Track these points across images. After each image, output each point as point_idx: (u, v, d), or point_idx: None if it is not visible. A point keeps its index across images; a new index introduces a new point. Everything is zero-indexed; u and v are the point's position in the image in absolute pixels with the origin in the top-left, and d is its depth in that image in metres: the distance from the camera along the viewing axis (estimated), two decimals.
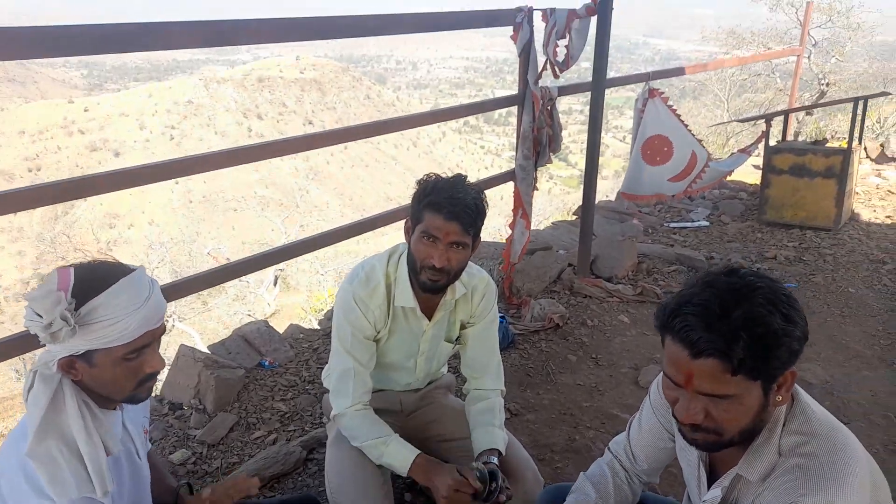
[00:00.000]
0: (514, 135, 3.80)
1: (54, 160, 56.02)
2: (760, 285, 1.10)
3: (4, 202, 2.06)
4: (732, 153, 5.60)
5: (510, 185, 3.94)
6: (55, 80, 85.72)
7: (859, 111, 5.40)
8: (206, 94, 64.91)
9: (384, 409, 2.05)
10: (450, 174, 1.83)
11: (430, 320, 1.96)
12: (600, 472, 1.60)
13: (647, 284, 4.20)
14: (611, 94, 4.01)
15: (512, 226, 3.87)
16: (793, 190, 5.42)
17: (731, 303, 1.07)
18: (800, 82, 7.54)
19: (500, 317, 3.34)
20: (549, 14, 3.55)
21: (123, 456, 1.38)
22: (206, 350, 3.30)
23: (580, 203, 4.45)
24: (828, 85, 12.77)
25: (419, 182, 1.81)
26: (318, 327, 3.85)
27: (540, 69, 3.60)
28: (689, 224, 5.68)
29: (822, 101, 12.16)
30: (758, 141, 5.56)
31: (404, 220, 1.88)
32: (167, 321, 1.61)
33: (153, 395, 2.92)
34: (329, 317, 4.08)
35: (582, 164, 4.36)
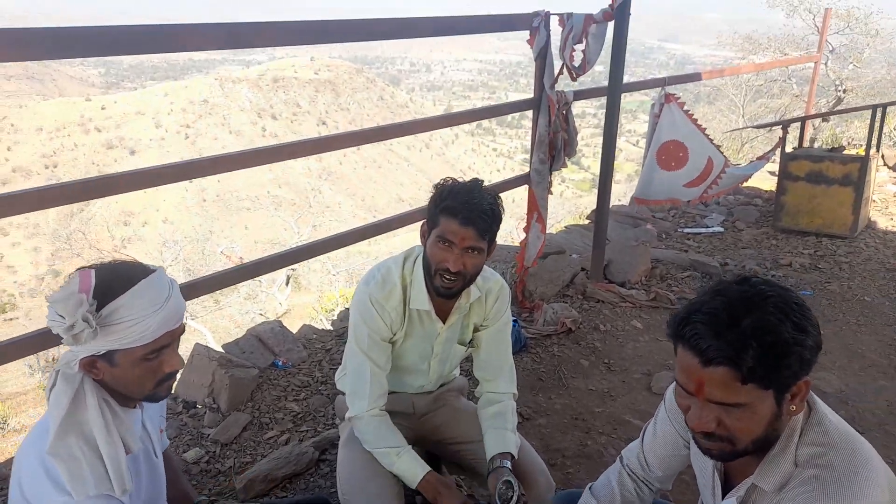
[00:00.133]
0: (527, 137, 3.80)
1: (71, 157, 56.64)
2: (771, 294, 1.09)
3: (25, 201, 2.08)
4: (752, 161, 5.57)
5: (522, 188, 3.94)
6: (73, 78, 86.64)
7: (878, 119, 5.36)
8: (221, 94, 65.38)
9: (397, 411, 2.06)
10: (462, 176, 1.84)
11: (444, 323, 1.97)
12: (607, 483, 1.60)
13: (660, 290, 4.18)
14: (624, 98, 4.00)
15: (527, 230, 3.87)
16: (809, 197, 5.38)
17: (741, 311, 1.07)
18: (816, 88, 7.49)
19: (513, 320, 3.34)
20: (566, 19, 3.55)
21: (141, 454, 1.40)
22: (219, 349, 3.32)
23: (593, 207, 4.44)
24: (845, 91, 12.66)
25: (436, 186, 1.81)
26: (331, 328, 3.87)
27: (556, 73, 3.60)
28: (703, 230, 5.65)
29: (838, 107, 12.06)
30: (776, 147, 5.53)
31: (420, 223, 1.89)
32: None
33: None
34: (341, 318, 4.10)
35: (594, 168, 4.36)
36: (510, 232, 10.11)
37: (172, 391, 3.05)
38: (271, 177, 52.96)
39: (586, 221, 6.25)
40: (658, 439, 1.53)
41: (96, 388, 1.26)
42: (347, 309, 4.22)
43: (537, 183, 3.76)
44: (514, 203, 6.99)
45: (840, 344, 3.67)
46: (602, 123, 4.08)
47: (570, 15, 3.56)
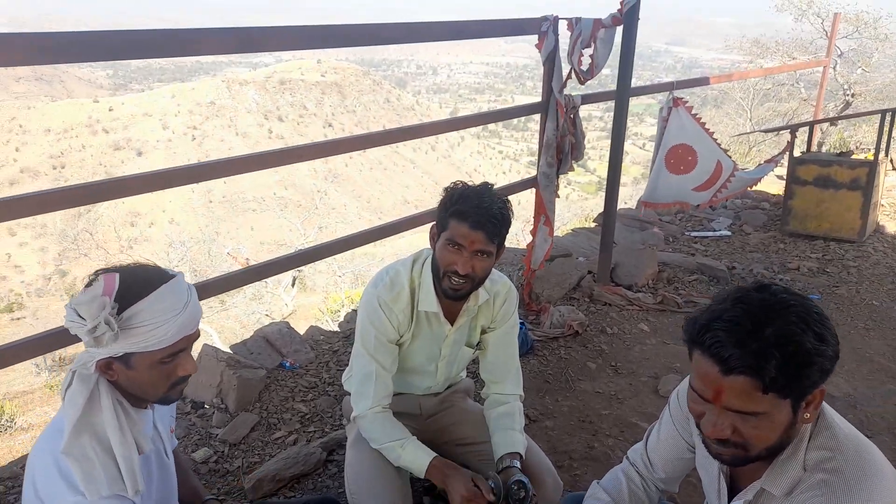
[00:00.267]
0: (533, 140, 3.81)
1: (78, 158, 56.95)
2: (793, 303, 1.08)
3: (36, 203, 2.10)
4: (760, 165, 5.56)
5: (529, 191, 3.95)
6: (81, 80, 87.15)
7: (886, 123, 5.34)
8: (228, 96, 65.65)
9: (404, 412, 2.07)
10: (468, 178, 1.86)
11: (452, 325, 1.98)
12: (614, 478, 1.61)
13: (667, 293, 4.18)
14: (631, 101, 4.00)
15: (534, 232, 3.88)
16: (817, 201, 5.37)
17: (762, 320, 1.06)
18: (824, 93, 7.47)
19: (520, 323, 3.35)
20: (574, 23, 3.56)
21: (153, 455, 1.41)
22: (226, 350, 3.34)
23: (599, 210, 4.44)
24: (853, 95, 12.62)
25: (446, 189, 1.83)
26: (338, 329, 3.88)
27: (564, 77, 3.61)
28: (710, 233, 5.64)
29: (846, 111, 12.02)
30: (784, 151, 5.52)
31: (430, 226, 1.90)
32: None
33: None
34: (348, 319, 4.11)
35: (600, 171, 4.37)
36: (516, 234, 10.11)
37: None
38: (277, 178, 53.09)
39: (593, 224, 6.24)
40: (662, 442, 1.53)
41: (111, 390, 1.28)
42: (354, 310, 4.24)
43: (545, 186, 3.77)
44: (520, 205, 7.00)
45: (848, 348, 3.65)
46: (608, 126, 4.09)
47: (578, 20, 3.56)
